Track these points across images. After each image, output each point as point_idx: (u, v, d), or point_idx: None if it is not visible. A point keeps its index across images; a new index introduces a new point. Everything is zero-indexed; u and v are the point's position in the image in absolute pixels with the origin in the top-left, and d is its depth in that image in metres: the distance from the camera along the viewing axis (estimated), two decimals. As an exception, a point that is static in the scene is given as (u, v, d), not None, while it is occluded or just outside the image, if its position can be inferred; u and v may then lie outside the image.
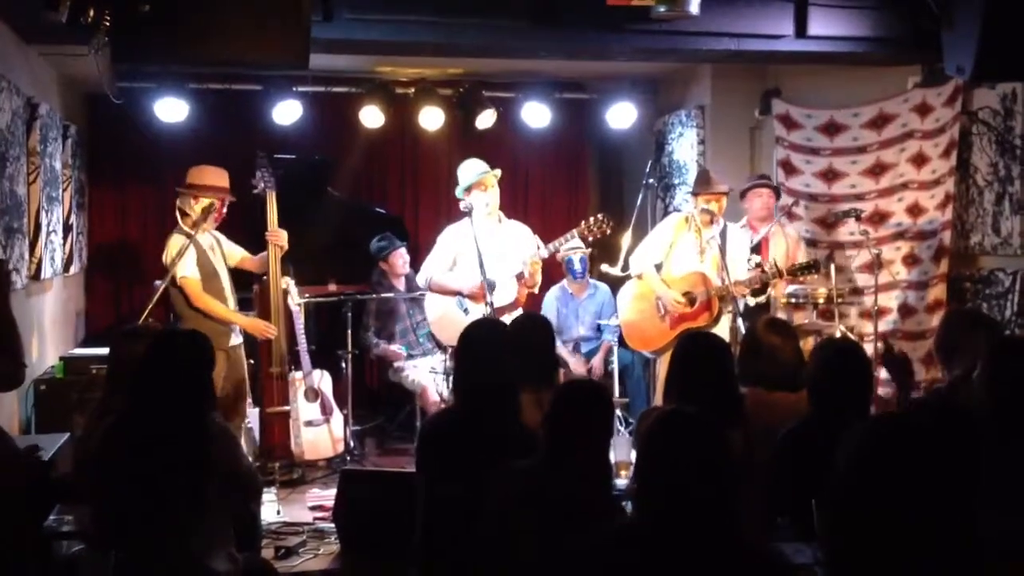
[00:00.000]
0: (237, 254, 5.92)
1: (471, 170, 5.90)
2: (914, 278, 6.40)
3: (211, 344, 3.39)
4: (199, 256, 5.58)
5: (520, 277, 5.75)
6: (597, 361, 7.04)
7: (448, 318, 5.82)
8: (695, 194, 5.98)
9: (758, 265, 6.00)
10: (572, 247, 6.90)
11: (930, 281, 6.29)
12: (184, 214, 5.63)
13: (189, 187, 5.67)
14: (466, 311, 5.77)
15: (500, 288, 5.69)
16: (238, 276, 5.97)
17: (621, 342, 6.54)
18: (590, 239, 6.02)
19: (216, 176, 5.72)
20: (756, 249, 6.19)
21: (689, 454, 2.23)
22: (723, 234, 5.82)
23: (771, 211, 6.31)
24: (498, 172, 5.92)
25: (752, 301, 5.96)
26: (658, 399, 5.69)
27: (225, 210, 5.75)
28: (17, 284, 5.35)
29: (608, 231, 5.87)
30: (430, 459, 3.58)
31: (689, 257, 5.88)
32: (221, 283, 5.68)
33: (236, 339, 5.74)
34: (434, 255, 5.99)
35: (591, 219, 5.81)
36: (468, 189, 5.86)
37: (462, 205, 5.76)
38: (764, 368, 3.84)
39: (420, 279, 6.06)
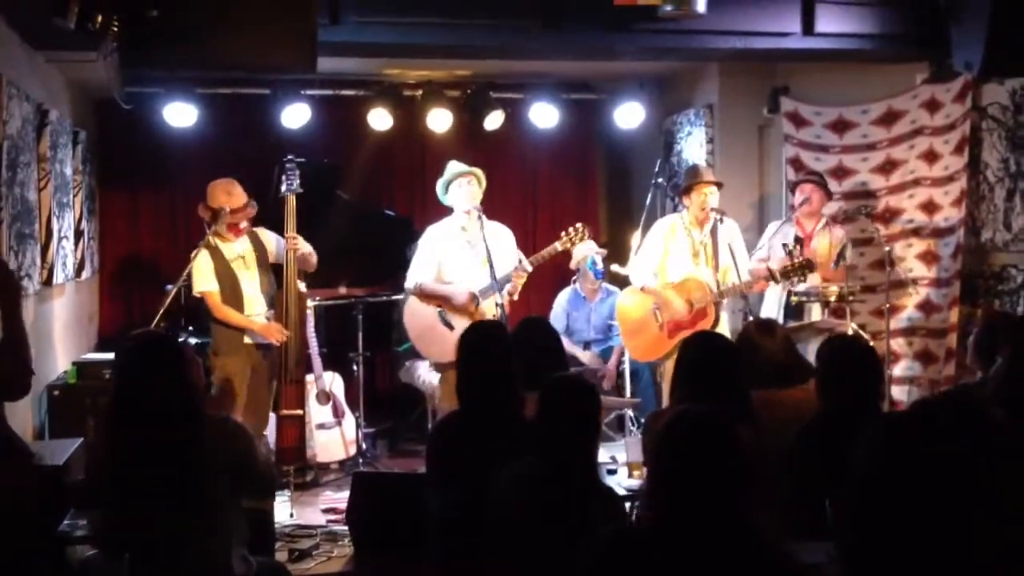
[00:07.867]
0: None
1: (451, 168, 5.84)
2: (935, 275, 6.38)
3: (179, 343, 3.34)
4: (220, 268, 5.55)
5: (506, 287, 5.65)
6: (611, 365, 7.01)
7: (434, 333, 5.71)
8: (687, 190, 5.94)
9: (790, 253, 5.93)
10: (588, 248, 6.95)
11: (951, 279, 6.27)
12: (208, 224, 5.59)
13: (203, 209, 5.59)
14: (451, 326, 5.64)
15: (485, 300, 5.67)
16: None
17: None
18: (572, 249, 6.03)
19: (222, 195, 5.54)
20: (799, 243, 6.09)
21: (702, 454, 2.22)
22: (713, 231, 5.81)
23: (817, 208, 6.21)
24: (479, 171, 5.83)
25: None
26: (666, 400, 5.68)
27: (244, 225, 5.60)
28: (29, 290, 5.37)
29: (586, 238, 5.90)
30: (439, 464, 3.59)
31: (683, 261, 5.89)
32: (241, 291, 5.61)
33: (257, 338, 5.66)
34: (420, 259, 5.83)
35: (571, 230, 5.76)
36: (448, 186, 5.79)
37: (464, 204, 5.71)
38: (748, 366, 3.84)
39: (408, 284, 5.85)
